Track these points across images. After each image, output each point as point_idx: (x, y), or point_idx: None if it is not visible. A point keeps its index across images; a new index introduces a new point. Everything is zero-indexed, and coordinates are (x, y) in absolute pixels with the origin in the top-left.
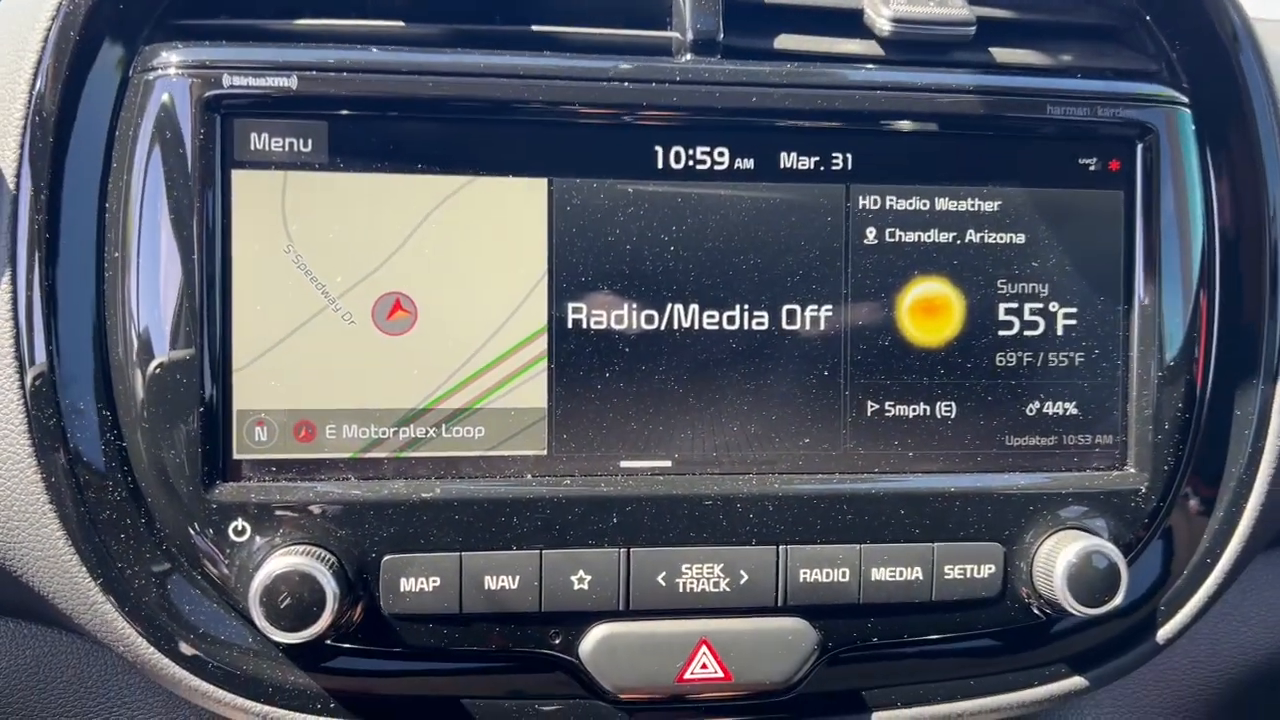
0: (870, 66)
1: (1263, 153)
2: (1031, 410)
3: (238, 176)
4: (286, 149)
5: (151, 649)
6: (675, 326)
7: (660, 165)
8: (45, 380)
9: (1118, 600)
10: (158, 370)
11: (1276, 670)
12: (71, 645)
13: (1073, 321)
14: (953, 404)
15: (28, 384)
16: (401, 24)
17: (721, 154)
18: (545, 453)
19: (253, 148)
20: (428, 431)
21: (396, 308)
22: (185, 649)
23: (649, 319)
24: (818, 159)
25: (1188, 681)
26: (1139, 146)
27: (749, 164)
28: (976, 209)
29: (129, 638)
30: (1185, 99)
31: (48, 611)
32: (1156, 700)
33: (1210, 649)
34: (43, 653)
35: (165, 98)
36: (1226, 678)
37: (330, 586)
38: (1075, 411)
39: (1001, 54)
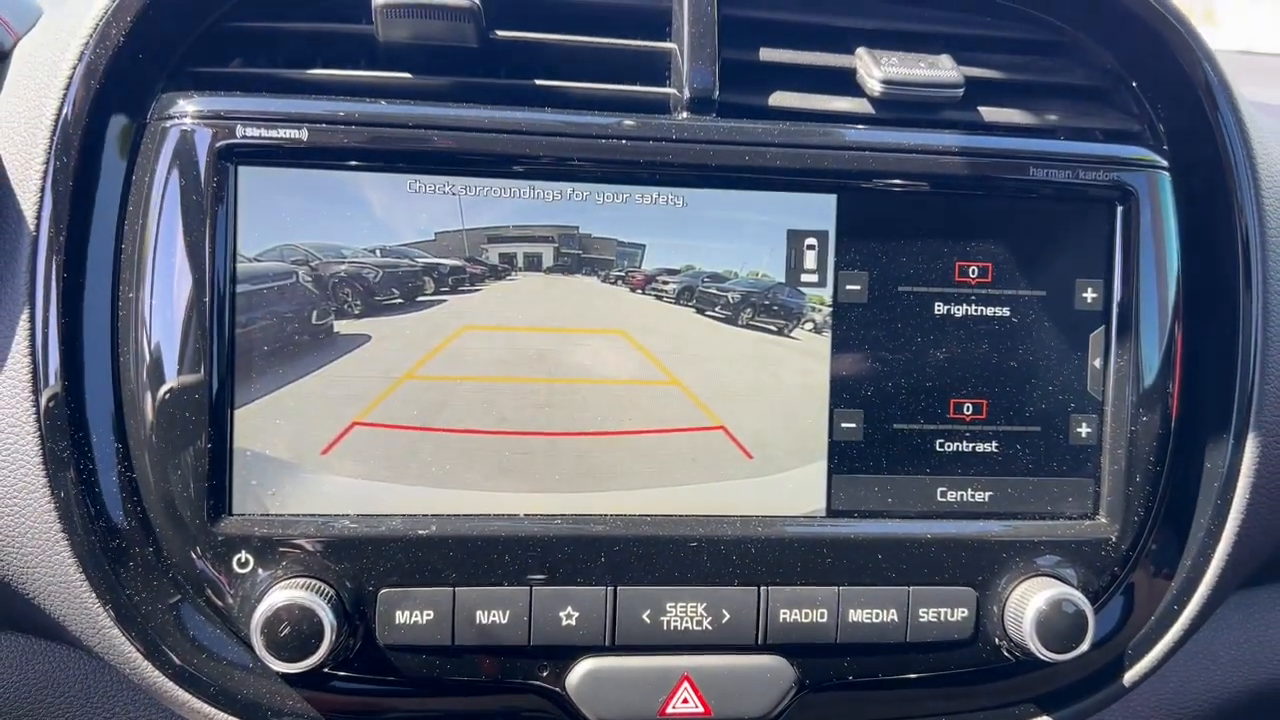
0: (860, 126)
1: (1242, 218)
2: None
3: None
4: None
5: (156, 672)
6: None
7: None
8: (60, 413)
9: (1084, 647)
10: (167, 406)
11: (1243, 708)
12: (78, 662)
13: (1050, 376)
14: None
15: (42, 416)
16: (409, 75)
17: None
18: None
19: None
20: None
21: None
22: (188, 672)
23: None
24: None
25: (1154, 715)
26: (1119, 209)
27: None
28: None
29: (134, 660)
30: (1165, 162)
31: (57, 630)
32: None
33: (1179, 687)
34: (51, 669)
35: (180, 145)
36: (1194, 716)
37: (328, 619)
38: (1051, 463)
39: (989, 113)
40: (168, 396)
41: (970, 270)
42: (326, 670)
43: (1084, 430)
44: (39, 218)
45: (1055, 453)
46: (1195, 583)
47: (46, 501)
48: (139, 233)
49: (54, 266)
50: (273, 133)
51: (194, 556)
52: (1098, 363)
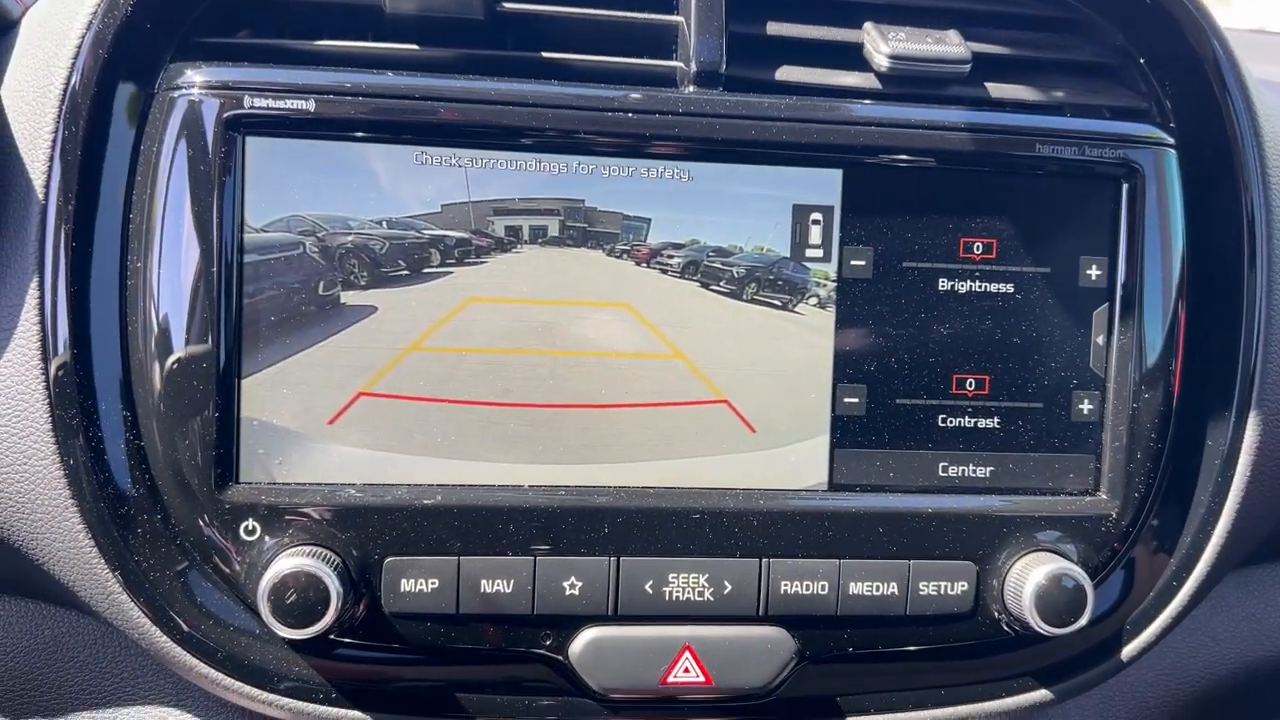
0: (867, 101)
1: (1248, 196)
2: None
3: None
4: None
5: (164, 636)
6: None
7: None
8: (68, 381)
9: (1083, 622)
10: (175, 375)
11: (1240, 684)
12: (88, 627)
13: (1052, 351)
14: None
15: (51, 383)
16: (416, 47)
17: None
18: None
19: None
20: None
21: None
22: (195, 637)
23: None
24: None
25: (1153, 693)
26: (1125, 186)
27: None
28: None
29: (143, 625)
30: (1172, 140)
31: (66, 596)
32: (1121, 710)
33: (1176, 663)
34: (61, 633)
35: (188, 115)
36: (1191, 691)
37: (334, 586)
38: (1053, 439)
39: (996, 89)
40: (175, 365)
41: (975, 246)
42: (332, 637)
43: (1086, 407)
44: (48, 187)
45: (1057, 429)
46: (1194, 559)
47: (55, 468)
48: (147, 202)
49: (63, 235)
50: (280, 103)
51: (201, 524)
52: (1101, 340)
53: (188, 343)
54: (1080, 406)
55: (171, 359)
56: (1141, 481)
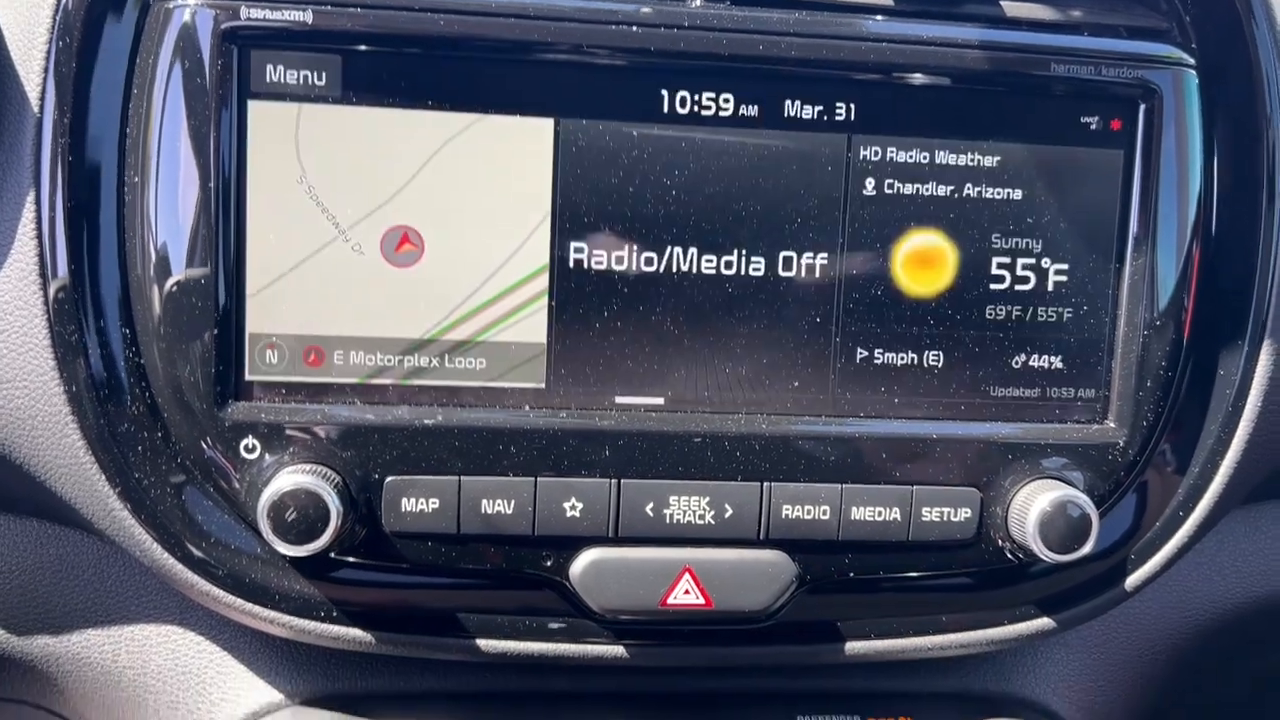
0: (879, 17)
1: (1268, 120)
2: (1017, 363)
3: (254, 107)
4: (301, 82)
5: (165, 554)
6: (674, 269)
7: (666, 109)
8: (68, 298)
9: (1087, 549)
10: (174, 292)
11: (1246, 620)
12: (91, 546)
13: (1064, 277)
14: (940, 353)
15: (50, 301)
16: None
17: (727, 100)
18: (543, 386)
19: (268, 80)
20: (431, 361)
21: (404, 241)
22: (197, 555)
23: (648, 261)
24: (821, 108)
25: (1156, 626)
26: (1142, 107)
27: (754, 111)
28: (976, 163)
29: (144, 543)
30: (1192, 60)
31: (69, 514)
32: (1124, 642)
33: (1180, 597)
34: (65, 552)
35: (184, 27)
36: (1194, 624)
37: (334, 504)
38: (1060, 365)
39: (1011, 7)
40: (175, 283)
41: (985, 166)
42: (333, 556)
43: (1096, 334)
44: (43, 100)
45: (1066, 356)
46: (1201, 490)
47: (56, 386)
48: (144, 117)
49: (59, 150)
50: (277, 14)
51: (202, 442)
52: (1113, 266)
53: (187, 260)
54: (1090, 334)
55: (171, 276)
56: (1150, 411)
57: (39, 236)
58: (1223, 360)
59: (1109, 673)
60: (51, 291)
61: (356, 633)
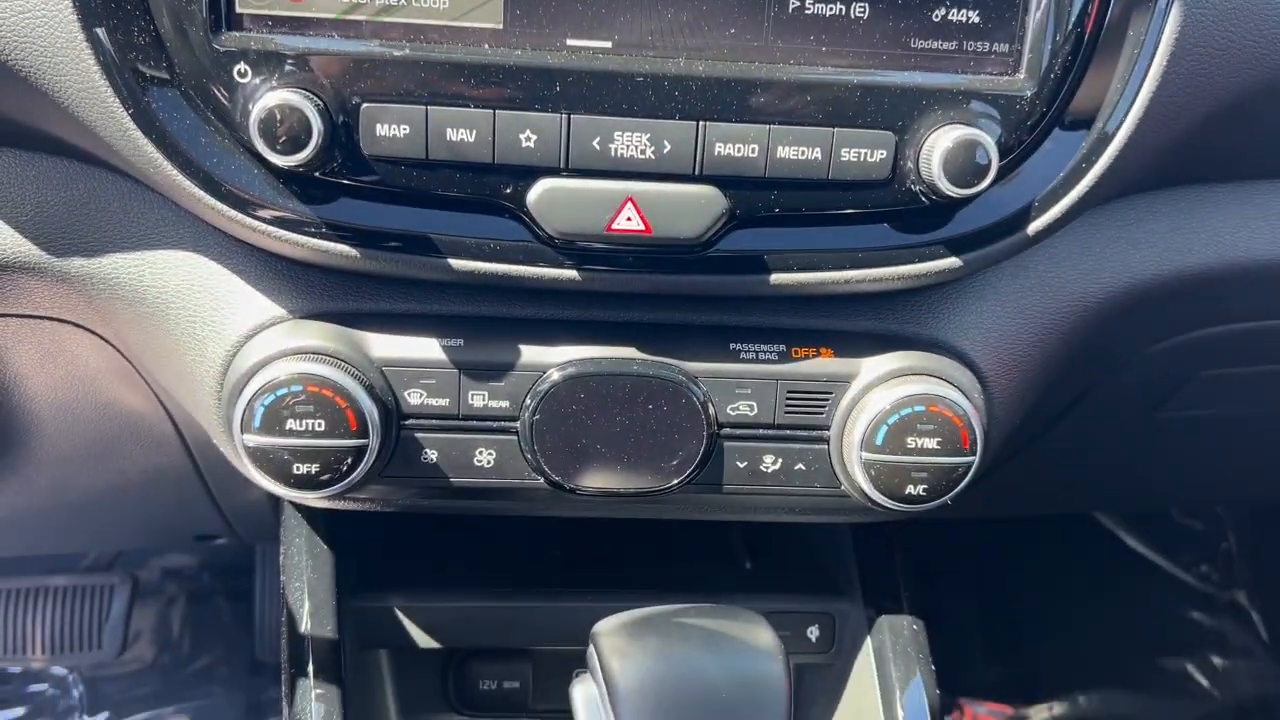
0: None
1: None
2: (937, 16)
3: None
4: None
5: (175, 170)
6: None
7: None
8: None
9: (985, 183)
10: None
11: (1161, 292)
12: (115, 184)
13: None
14: (866, 5)
15: None
16: None
17: None
18: (500, 26)
19: None
20: (400, 0)
21: None
22: (201, 171)
23: None
24: None
25: (1071, 290)
26: None
27: None
28: None
29: (156, 160)
30: None
31: (92, 151)
32: (1039, 301)
33: (1095, 265)
34: (93, 187)
35: None
36: (1108, 292)
37: (315, 120)
38: (977, 19)
39: None
40: None
41: None
42: (320, 177)
43: None
44: None
45: (982, 8)
46: (1104, 145)
47: (69, 12)
48: None
49: None
50: None
51: (200, 68)
52: None
53: None
54: None
55: None
56: (1060, 65)
57: None
58: (1135, 20)
59: (1022, 327)
60: None
61: (344, 248)
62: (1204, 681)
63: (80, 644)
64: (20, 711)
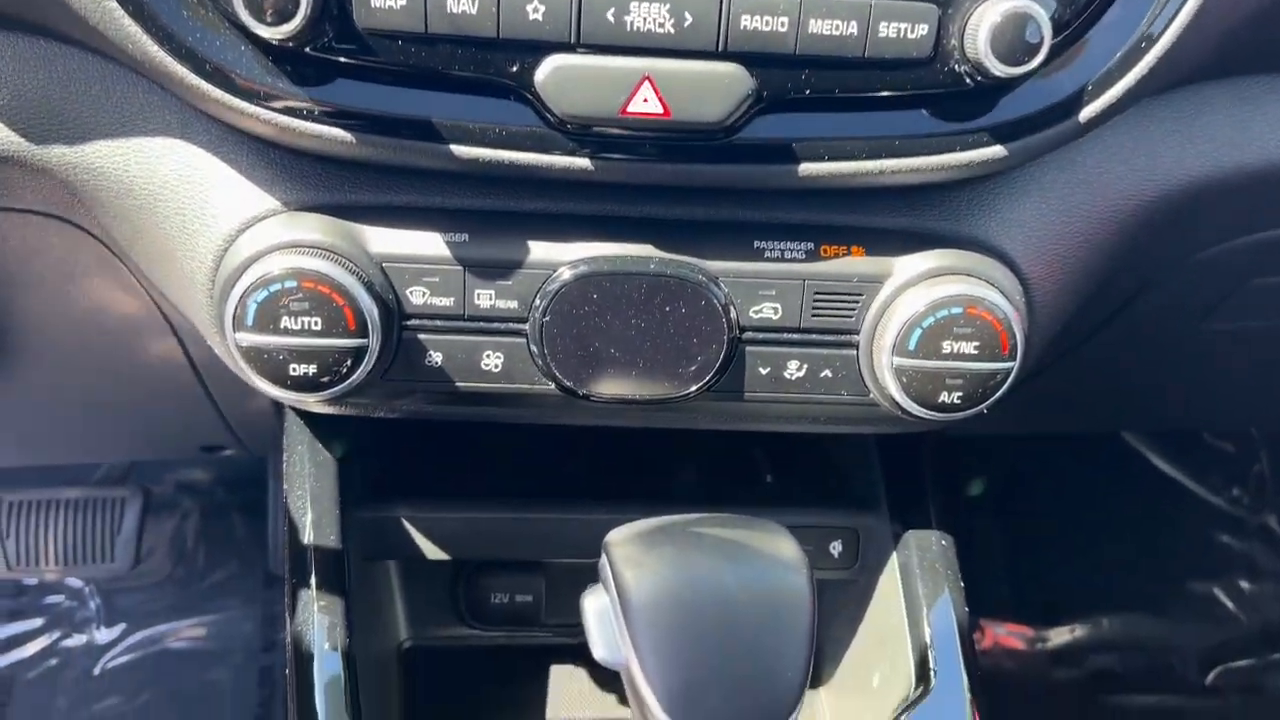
0: None
1: None
2: None
3: None
4: None
5: (157, 48)
6: None
7: None
8: None
9: (1037, 61)
10: None
11: (1215, 190)
12: (95, 64)
13: None
14: None
15: None
16: None
17: None
18: None
19: None
20: None
21: None
22: (184, 47)
23: None
24: None
25: (1122, 186)
26: None
27: None
28: None
29: (133, 34)
30: None
31: (70, 29)
32: (1085, 199)
33: (1149, 161)
34: (72, 67)
35: None
36: (1161, 189)
37: None
38: None
39: None
40: None
41: None
42: (311, 53)
43: None
44: None
45: None
46: (1168, 20)
47: None
48: None
49: None
50: None
51: None
52: None
53: None
54: None
55: None
56: None
57: None
58: None
59: (1068, 225)
60: None
61: (338, 132)
62: (1230, 605)
63: (92, 556)
64: (39, 622)
